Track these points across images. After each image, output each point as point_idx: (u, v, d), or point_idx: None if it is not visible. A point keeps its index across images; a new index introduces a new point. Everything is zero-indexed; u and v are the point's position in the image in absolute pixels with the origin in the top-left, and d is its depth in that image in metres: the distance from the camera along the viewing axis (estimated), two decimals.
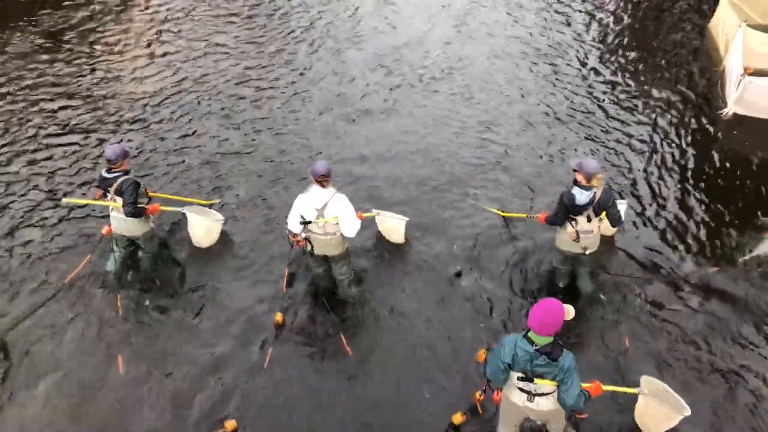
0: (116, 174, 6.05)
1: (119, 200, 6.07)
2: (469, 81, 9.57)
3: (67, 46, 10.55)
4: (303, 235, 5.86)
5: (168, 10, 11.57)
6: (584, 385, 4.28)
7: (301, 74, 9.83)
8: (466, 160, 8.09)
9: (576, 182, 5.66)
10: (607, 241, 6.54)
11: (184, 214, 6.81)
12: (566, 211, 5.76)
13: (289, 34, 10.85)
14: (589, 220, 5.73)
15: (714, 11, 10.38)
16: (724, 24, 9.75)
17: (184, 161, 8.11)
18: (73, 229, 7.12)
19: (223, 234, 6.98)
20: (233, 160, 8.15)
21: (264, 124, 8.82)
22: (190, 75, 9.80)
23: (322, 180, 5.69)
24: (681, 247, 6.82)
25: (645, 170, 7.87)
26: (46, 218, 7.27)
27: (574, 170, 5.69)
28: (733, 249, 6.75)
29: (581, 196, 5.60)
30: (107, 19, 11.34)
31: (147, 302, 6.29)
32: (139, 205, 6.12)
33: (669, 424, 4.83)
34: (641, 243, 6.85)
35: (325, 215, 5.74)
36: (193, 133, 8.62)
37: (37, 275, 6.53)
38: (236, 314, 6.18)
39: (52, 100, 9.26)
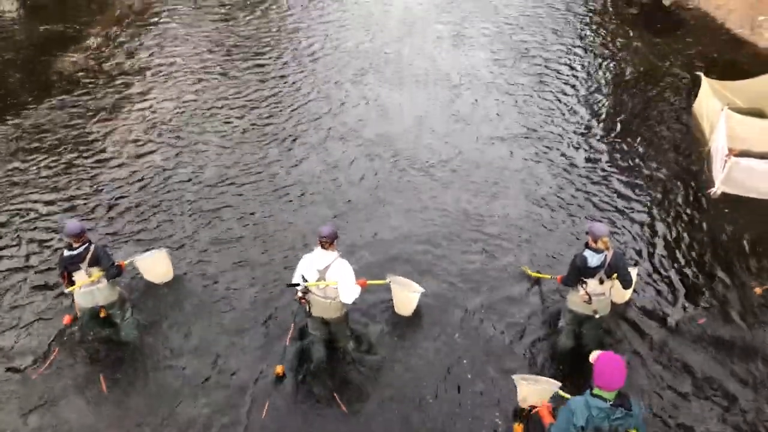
0: (83, 246, 6.13)
1: (95, 270, 6.17)
2: (466, 165, 9.90)
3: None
4: (300, 293, 6.01)
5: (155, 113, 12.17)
6: None
7: (294, 166, 10.16)
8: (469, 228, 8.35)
9: (587, 245, 5.98)
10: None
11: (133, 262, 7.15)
12: (578, 272, 6.03)
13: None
14: (601, 282, 5.98)
15: (697, 94, 10.87)
16: (707, 107, 10.21)
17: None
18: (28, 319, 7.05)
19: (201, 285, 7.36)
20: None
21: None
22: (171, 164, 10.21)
23: (324, 241, 5.87)
24: (672, 302, 7.20)
25: (640, 243, 8.13)
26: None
27: (586, 233, 6.08)
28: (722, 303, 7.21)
29: (593, 259, 5.90)
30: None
31: (134, 370, 6.34)
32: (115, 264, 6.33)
33: None
34: (637, 302, 7.20)
35: (327, 278, 5.85)
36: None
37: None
38: (233, 364, 6.39)
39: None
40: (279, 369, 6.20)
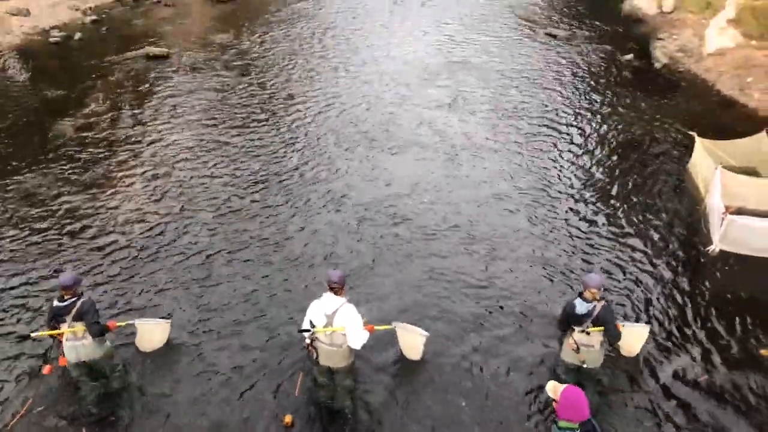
0: (71, 299, 6.14)
1: (79, 325, 6.13)
2: (464, 226, 9.95)
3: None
4: (308, 340, 6.05)
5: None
6: None
7: (298, 230, 10.23)
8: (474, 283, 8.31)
9: (581, 294, 6.18)
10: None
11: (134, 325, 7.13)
12: (566, 318, 6.25)
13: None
14: (587, 333, 6.10)
15: (691, 154, 11.03)
16: (702, 166, 10.34)
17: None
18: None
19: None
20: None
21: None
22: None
23: (335, 287, 5.99)
24: (672, 360, 7.16)
25: (639, 301, 8.09)
26: None
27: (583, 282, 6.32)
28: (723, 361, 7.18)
29: (581, 307, 6.09)
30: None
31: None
32: (101, 323, 6.28)
33: None
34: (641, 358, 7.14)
35: (334, 322, 5.90)
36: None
37: None
38: (242, 415, 6.38)
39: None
40: (288, 419, 6.27)
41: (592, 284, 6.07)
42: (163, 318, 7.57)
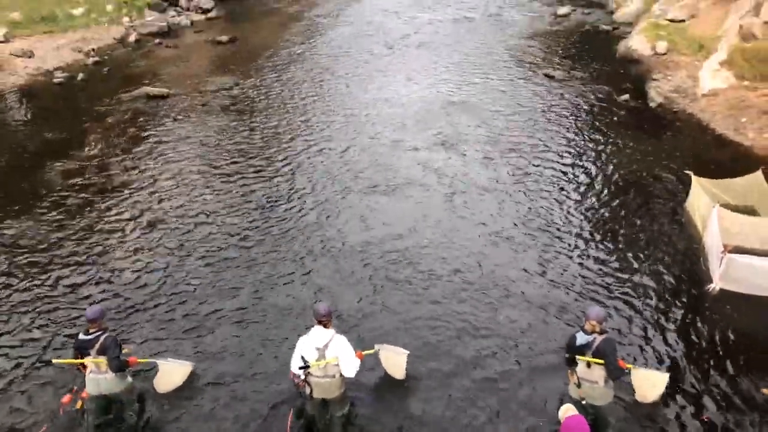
0: (96, 333, 6.28)
1: (102, 359, 6.25)
2: (464, 267, 9.90)
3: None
4: (302, 377, 6.08)
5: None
6: None
7: (299, 276, 10.17)
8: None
9: (582, 326, 6.25)
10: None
11: (156, 365, 7.25)
12: (568, 350, 6.30)
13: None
14: (588, 366, 6.10)
15: (688, 193, 11.04)
16: (699, 205, 10.37)
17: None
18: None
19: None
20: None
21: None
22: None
23: (324, 321, 6.09)
24: (675, 398, 7.07)
25: (639, 340, 8.03)
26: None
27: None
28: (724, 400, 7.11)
29: (581, 338, 6.13)
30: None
31: None
32: (121, 358, 6.40)
33: None
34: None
35: (327, 355, 6.00)
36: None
37: None
38: None
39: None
40: None
41: (592, 316, 6.13)
42: (185, 360, 7.62)
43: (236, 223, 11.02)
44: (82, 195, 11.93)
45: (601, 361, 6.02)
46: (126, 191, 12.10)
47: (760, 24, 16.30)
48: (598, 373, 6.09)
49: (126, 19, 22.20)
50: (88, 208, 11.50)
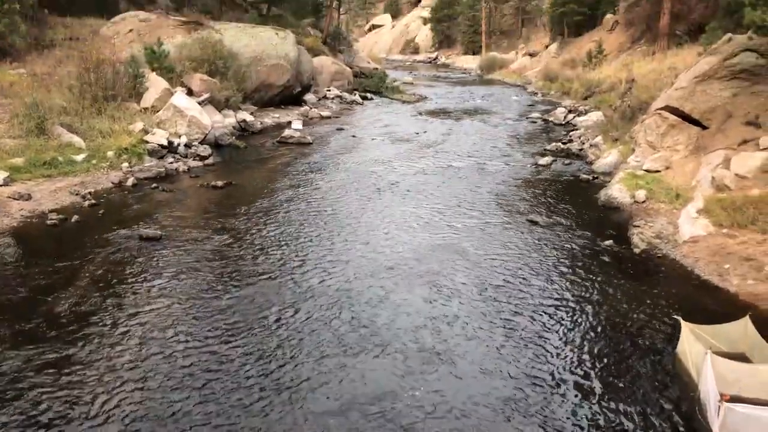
0: None
1: None
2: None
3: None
4: None
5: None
6: None
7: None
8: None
9: None
10: None
11: None
12: None
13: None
14: None
15: (678, 339, 10.96)
16: (691, 352, 10.26)
17: None
18: None
19: None
20: None
21: None
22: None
23: None
24: None
25: None
26: None
27: None
28: None
29: None
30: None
31: None
32: None
33: None
34: None
35: None
36: None
37: None
38: None
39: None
40: None
41: None
42: None
43: (222, 379, 10.59)
44: (71, 336, 11.61)
45: None
46: (114, 330, 11.82)
47: (731, 176, 17.21)
48: None
49: (125, 164, 23.05)
50: (71, 345, 11.16)
